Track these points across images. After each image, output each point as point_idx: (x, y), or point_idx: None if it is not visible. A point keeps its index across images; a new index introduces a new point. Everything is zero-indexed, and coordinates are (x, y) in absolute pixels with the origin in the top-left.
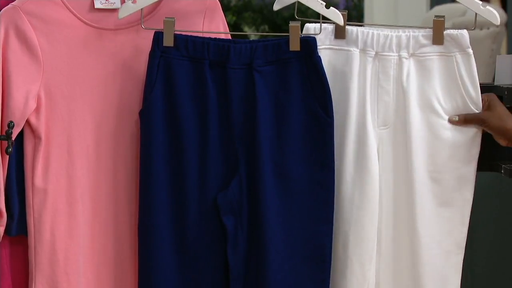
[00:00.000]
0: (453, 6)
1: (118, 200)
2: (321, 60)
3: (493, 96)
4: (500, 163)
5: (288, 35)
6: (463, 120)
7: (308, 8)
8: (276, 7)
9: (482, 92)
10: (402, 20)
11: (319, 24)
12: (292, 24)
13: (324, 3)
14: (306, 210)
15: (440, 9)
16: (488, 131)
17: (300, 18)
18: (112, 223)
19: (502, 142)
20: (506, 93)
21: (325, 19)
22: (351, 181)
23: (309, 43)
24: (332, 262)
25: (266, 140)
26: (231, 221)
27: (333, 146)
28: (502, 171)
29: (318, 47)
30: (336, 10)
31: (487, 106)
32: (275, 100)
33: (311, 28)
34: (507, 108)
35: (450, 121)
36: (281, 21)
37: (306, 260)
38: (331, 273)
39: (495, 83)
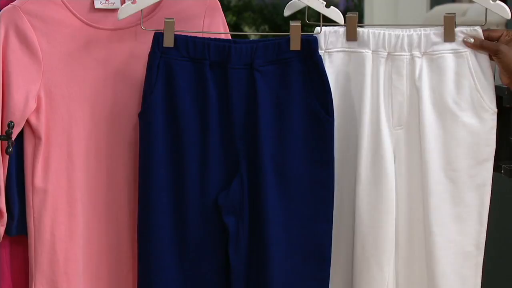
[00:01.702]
0: (453, 6)
1: (118, 200)
2: (322, 59)
3: None
4: (500, 163)
5: (289, 35)
6: (479, 45)
7: (307, 8)
8: (286, 12)
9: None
10: (402, 20)
11: (329, 28)
12: (293, 23)
13: (325, 3)
14: (306, 209)
15: (440, 9)
16: (498, 64)
17: (311, 23)
18: (112, 223)
19: (505, 80)
20: (506, 93)
21: (326, 20)
22: (367, 182)
23: (310, 42)
24: (350, 263)
25: (267, 139)
26: (233, 221)
27: (333, 145)
28: (502, 171)
29: (330, 50)
30: (336, 9)
31: (507, 41)
32: (276, 99)
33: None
34: (507, 108)
35: (466, 43)
36: (281, 21)
37: (306, 259)
38: (350, 275)
39: (495, 83)
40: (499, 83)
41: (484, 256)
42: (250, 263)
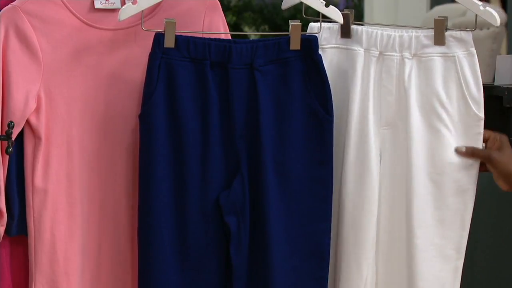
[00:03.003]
0: (453, 6)
1: (118, 200)
2: (322, 58)
3: (505, 138)
4: None
5: (289, 34)
6: (471, 153)
7: (308, 7)
8: (283, 7)
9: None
10: (402, 20)
11: (323, 24)
12: (293, 23)
13: (324, 2)
14: (305, 208)
15: (440, 9)
16: (492, 171)
17: (308, 17)
18: (112, 223)
19: (503, 186)
20: (506, 93)
21: (326, 18)
22: (351, 180)
23: (310, 42)
24: (334, 261)
25: (268, 139)
26: (234, 221)
27: (332, 144)
28: None
29: (324, 46)
30: (335, 8)
31: (497, 146)
32: (276, 99)
33: (315, 27)
34: (507, 108)
35: (457, 150)
36: (281, 21)
37: (306, 258)
38: (333, 273)
39: (495, 83)
40: (499, 83)
41: (482, 256)
42: (251, 262)
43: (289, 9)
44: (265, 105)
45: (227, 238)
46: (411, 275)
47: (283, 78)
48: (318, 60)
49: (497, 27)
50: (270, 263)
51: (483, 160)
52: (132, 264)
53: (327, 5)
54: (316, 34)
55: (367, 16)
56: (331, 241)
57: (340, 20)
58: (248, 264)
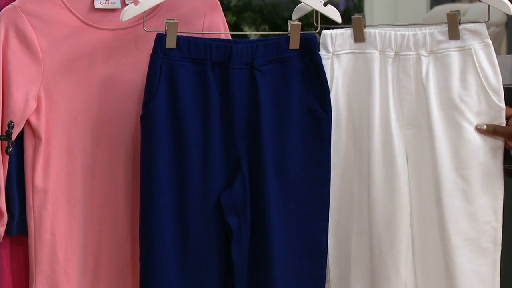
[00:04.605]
0: (453, 6)
1: (118, 200)
2: (321, 58)
3: None
4: None
5: (288, 34)
6: (492, 130)
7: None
8: (295, 16)
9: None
10: (402, 20)
11: (335, 30)
12: (292, 22)
13: (323, 1)
14: (304, 207)
15: (440, 9)
16: None
17: (319, 25)
18: (112, 223)
19: None
20: (506, 93)
21: (330, 22)
22: (380, 183)
23: (310, 41)
24: (370, 265)
25: (268, 138)
26: (235, 221)
27: (330, 143)
28: None
29: (338, 52)
30: (334, 8)
31: None
32: (276, 98)
33: (327, 34)
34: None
35: (478, 129)
36: (281, 21)
37: (304, 256)
38: (370, 277)
39: None
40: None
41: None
42: (252, 262)
43: (289, 9)
44: (265, 104)
45: (228, 238)
46: (449, 273)
47: (282, 78)
48: (317, 60)
49: (497, 26)
50: (271, 262)
51: (505, 137)
52: (132, 264)
53: (325, 5)
54: (324, 36)
55: (367, 16)
56: (362, 245)
57: (339, 19)
58: (249, 263)
